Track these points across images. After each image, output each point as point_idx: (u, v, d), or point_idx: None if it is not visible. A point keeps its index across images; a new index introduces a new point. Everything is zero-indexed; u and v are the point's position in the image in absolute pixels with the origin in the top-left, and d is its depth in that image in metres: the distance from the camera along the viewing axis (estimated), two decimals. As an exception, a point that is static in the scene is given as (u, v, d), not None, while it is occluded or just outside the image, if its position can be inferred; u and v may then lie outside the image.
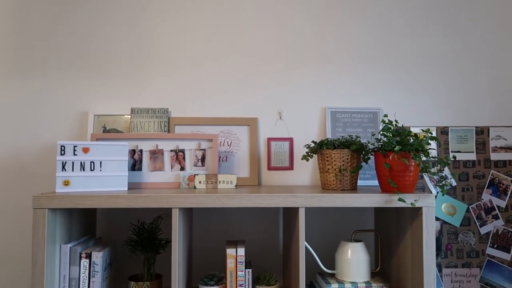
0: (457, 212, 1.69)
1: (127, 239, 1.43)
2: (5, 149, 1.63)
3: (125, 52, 1.68)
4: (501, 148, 1.72)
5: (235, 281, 1.34)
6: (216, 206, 1.21)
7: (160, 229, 1.45)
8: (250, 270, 1.35)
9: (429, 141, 1.29)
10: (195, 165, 1.54)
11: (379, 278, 1.41)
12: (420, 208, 1.26)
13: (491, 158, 1.71)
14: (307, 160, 1.45)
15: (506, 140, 1.72)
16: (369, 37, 1.74)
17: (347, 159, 1.37)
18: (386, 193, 1.26)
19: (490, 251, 1.68)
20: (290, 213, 1.40)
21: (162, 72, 1.69)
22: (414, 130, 1.70)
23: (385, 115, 1.33)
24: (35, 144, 1.63)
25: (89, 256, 1.29)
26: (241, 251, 1.34)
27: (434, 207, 1.25)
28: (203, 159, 1.54)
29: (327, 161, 1.39)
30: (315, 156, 1.67)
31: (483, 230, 1.68)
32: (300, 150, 1.69)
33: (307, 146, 1.47)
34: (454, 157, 1.30)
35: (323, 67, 1.72)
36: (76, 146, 1.32)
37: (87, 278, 1.28)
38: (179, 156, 1.53)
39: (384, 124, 1.30)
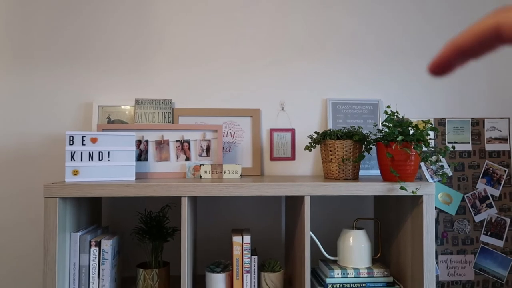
0: (453, 201, 1.74)
1: (135, 227, 1.46)
2: (11, 139, 1.63)
3: (130, 43, 1.69)
4: (496, 139, 1.78)
5: (241, 268, 1.37)
6: (225, 195, 1.25)
7: (167, 217, 1.48)
8: (255, 257, 1.39)
9: (429, 131, 1.34)
10: (200, 155, 1.56)
11: (379, 264, 1.46)
12: (420, 196, 1.31)
13: (486, 149, 1.77)
14: (310, 150, 1.49)
15: (500, 131, 1.78)
16: (368, 30, 1.77)
17: (350, 149, 1.41)
18: (388, 182, 1.31)
19: (484, 238, 1.74)
20: (294, 202, 1.44)
21: (165, 63, 1.70)
22: (412, 121, 1.74)
23: (388, 106, 1.37)
24: (40, 135, 1.64)
25: (98, 244, 1.31)
26: (247, 238, 1.38)
27: (434, 195, 1.30)
28: (208, 149, 1.57)
29: (330, 151, 1.43)
30: (317, 146, 1.71)
31: (478, 218, 1.75)
32: (301, 141, 1.73)
33: (310, 136, 1.50)
34: (453, 147, 1.35)
35: (324, 60, 1.75)
36: (85, 136, 1.34)
37: (97, 266, 1.31)
38: (184, 146, 1.56)
39: (386, 115, 1.34)
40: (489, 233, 1.75)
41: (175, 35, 1.71)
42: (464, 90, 1.79)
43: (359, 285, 1.37)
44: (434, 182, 1.73)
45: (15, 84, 1.65)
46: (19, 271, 1.62)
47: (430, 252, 1.29)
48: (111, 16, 1.69)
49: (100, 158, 1.35)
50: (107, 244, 1.32)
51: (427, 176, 1.74)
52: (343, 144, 1.41)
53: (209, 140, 1.57)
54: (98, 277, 1.31)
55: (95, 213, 1.53)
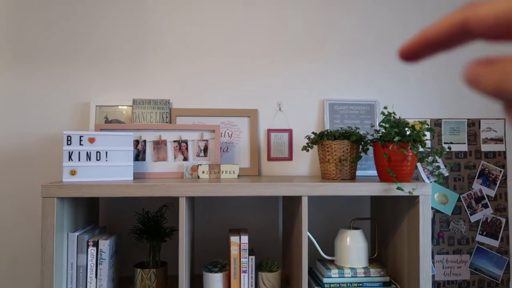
0: (449, 201, 1.76)
1: (132, 227, 1.46)
2: (8, 139, 1.63)
3: (127, 43, 1.69)
4: (491, 139, 1.79)
5: (239, 268, 1.38)
6: (222, 195, 1.25)
7: (165, 217, 1.48)
8: (253, 257, 1.39)
9: (425, 132, 1.35)
10: (198, 156, 1.57)
11: (376, 263, 1.47)
12: (417, 197, 1.31)
13: (482, 149, 1.78)
14: (307, 151, 1.50)
15: (496, 132, 1.80)
16: (366, 31, 1.78)
17: (347, 150, 1.42)
18: (385, 182, 1.31)
19: (479, 238, 1.76)
20: (292, 202, 1.45)
21: (163, 63, 1.70)
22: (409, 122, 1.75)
23: (385, 107, 1.37)
24: (38, 135, 1.64)
25: (96, 244, 1.31)
26: (245, 238, 1.38)
27: (430, 195, 1.31)
28: (205, 149, 1.57)
29: (328, 151, 1.44)
30: (314, 147, 1.72)
31: (473, 218, 1.76)
32: (299, 141, 1.74)
33: (307, 137, 1.51)
34: (449, 147, 1.36)
35: (322, 60, 1.76)
36: (82, 136, 1.34)
37: (95, 266, 1.31)
38: (182, 146, 1.56)
39: (383, 116, 1.35)
40: (484, 233, 1.76)
41: (173, 35, 1.71)
42: (460, 91, 1.81)
43: (356, 284, 1.38)
44: (431, 182, 1.74)
45: (12, 84, 1.64)
46: (16, 271, 1.62)
47: (427, 252, 1.30)
48: (109, 15, 1.69)
49: (98, 158, 1.35)
50: (105, 244, 1.32)
51: (424, 176, 1.75)
52: (340, 144, 1.42)
53: (206, 140, 1.58)
54: (96, 277, 1.31)
55: (92, 213, 1.53)
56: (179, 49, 1.71)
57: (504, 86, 0.25)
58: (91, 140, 1.35)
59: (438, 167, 1.76)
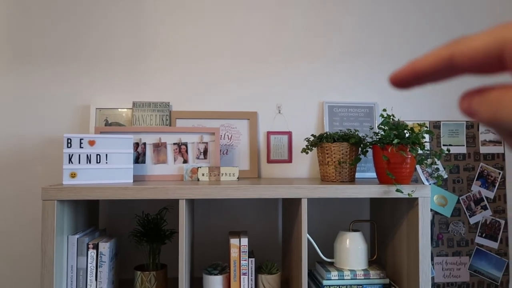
0: (448, 203, 1.76)
1: (132, 230, 1.46)
2: (8, 142, 1.63)
3: (126, 46, 1.70)
4: (490, 141, 1.80)
5: (239, 270, 1.38)
6: (222, 197, 1.25)
7: (165, 220, 1.48)
8: (253, 259, 1.39)
9: (424, 134, 1.35)
10: (198, 158, 1.57)
11: (376, 266, 1.47)
12: (416, 199, 1.32)
13: (481, 152, 1.79)
14: (307, 153, 1.50)
15: (494, 134, 1.80)
16: (364, 34, 1.79)
17: (346, 152, 1.43)
18: (384, 184, 1.32)
19: (479, 240, 1.76)
20: (291, 205, 1.45)
21: (163, 66, 1.71)
22: (408, 124, 1.76)
23: (384, 110, 1.38)
24: (38, 137, 1.64)
25: (96, 247, 1.31)
26: (245, 241, 1.38)
27: (429, 197, 1.31)
28: (205, 152, 1.58)
29: (327, 154, 1.44)
30: (313, 149, 1.72)
31: (473, 220, 1.76)
32: (298, 143, 1.74)
33: (307, 139, 1.51)
34: (448, 150, 1.36)
35: (321, 63, 1.77)
36: (83, 139, 1.34)
37: (95, 268, 1.31)
38: (181, 149, 1.56)
39: (382, 118, 1.35)
40: (484, 235, 1.76)
41: (173, 37, 1.72)
42: (459, 93, 1.81)
43: (355, 287, 1.38)
44: (430, 184, 1.75)
45: (12, 86, 1.65)
46: (17, 273, 1.62)
47: (426, 254, 1.30)
48: (108, 17, 1.70)
49: (98, 161, 1.36)
50: (105, 247, 1.32)
51: (423, 178, 1.76)
52: (339, 147, 1.42)
53: (206, 143, 1.58)
54: (96, 279, 1.31)
55: (92, 215, 1.53)
56: (178, 51, 1.72)
57: (499, 116, 0.25)
58: (91, 143, 1.35)
59: (437, 169, 1.76)
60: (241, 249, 1.38)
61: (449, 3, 1.83)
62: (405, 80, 0.30)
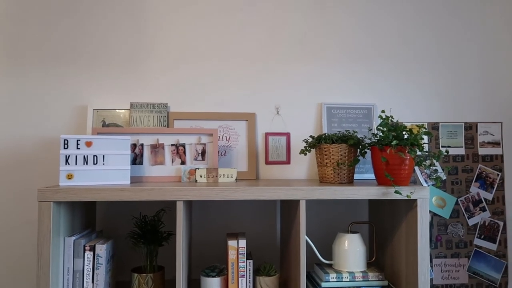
0: (447, 205, 1.76)
1: (129, 232, 1.45)
2: (5, 143, 1.62)
3: (125, 47, 1.69)
4: (489, 143, 1.80)
5: (237, 272, 1.37)
6: (220, 199, 1.25)
7: (162, 222, 1.47)
8: (251, 261, 1.38)
9: (423, 135, 1.35)
10: (196, 159, 1.56)
11: (374, 267, 1.47)
12: (415, 200, 1.31)
13: (479, 153, 1.79)
14: (305, 154, 1.49)
15: (493, 135, 1.80)
16: (363, 35, 1.78)
17: (345, 153, 1.42)
18: (383, 186, 1.31)
19: (477, 241, 1.76)
20: (289, 206, 1.44)
21: (161, 67, 1.70)
22: (406, 125, 1.76)
23: (382, 111, 1.37)
24: (34, 138, 1.63)
25: (93, 249, 1.30)
26: (242, 242, 1.37)
27: (428, 199, 1.31)
28: (203, 153, 1.57)
29: (325, 155, 1.44)
30: (312, 150, 1.71)
31: (471, 222, 1.76)
32: (297, 144, 1.74)
33: (305, 140, 1.51)
34: (447, 151, 1.36)
35: (319, 64, 1.76)
36: (79, 140, 1.33)
37: (91, 270, 1.30)
38: (179, 150, 1.55)
39: (381, 119, 1.35)
40: (482, 237, 1.76)
41: (170, 38, 1.71)
42: (457, 95, 1.81)
43: (354, 289, 1.38)
44: (428, 186, 1.74)
45: (9, 87, 1.64)
46: (13, 275, 1.60)
47: (425, 255, 1.30)
48: (106, 19, 1.69)
49: (95, 162, 1.35)
50: (102, 249, 1.31)
51: (421, 180, 1.75)
52: (338, 148, 1.42)
53: (204, 144, 1.57)
54: (92, 282, 1.30)
55: (89, 217, 1.52)
56: (176, 53, 1.71)
57: None
58: (88, 144, 1.34)
59: (436, 170, 1.76)
60: (239, 251, 1.37)
61: (446, 8, 1.83)
62: None
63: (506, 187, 1.78)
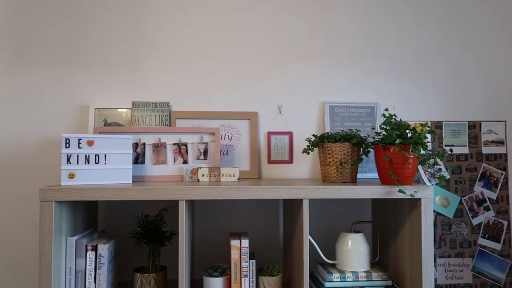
0: (451, 204, 1.74)
1: (132, 231, 1.45)
2: (6, 142, 1.62)
3: (126, 46, 1.68)
4: (492, 142, 1.78)
5: (239, 272, 1.36)
6: (223, 198, 1.24)
7: (164, 221, 1.47)
8: (254, 261, 1.37)
9: (427, 134, 1.34)
10: (198, 159, 1.56)
11: (378, 267, 1.46)
12: (419, 199, 1.30)
13: (483, 152, 1.77)
14: (308, 153, 1.48)
15: (497, 134, 1.79)
16: (366, 34, 1.77)
17: (348, 152, 1.41)
18: (387, 185, 1.30)
19: (481, 241, 1.74)
20: (292, 205, 1.43)
21: (162, 66, 1.70)
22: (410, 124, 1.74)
23: (386, 109, 1.36)
24: (36, 138, 1.63)
25: (95, 249, 1.30)
26: (245, 242, 1.37)
27: (432, 198, 1.30)
28: (205, 152, 1.56)
29: (328, 154, 1.43)
30: (315, 149, 1.71)
31: (475, 221, 1.75)
32: (299, 143, 1.73)
33: (308, 139, 1.50)
34: (451, 150, 1.35)
35: (322, 63, 1.75)
36: (81, 139, 1.32)
37: (93, 270, 1.29)
38: (181, 149, 1.55)
39: (384, 118, 1.34)
40: (486, 236, 1.75)
41: (172, 37, 1.71)
42: (461, 93, 1.80)
43: (357, 288, 1.37)
44: (432, 185, 1.73)
45: (11, 86, 1.63)
46: (14, 275, 1.60)
47: (429, 255, 1.29)
48: (108, 19, 1.68)
49: (97, 161, 1.34)
50: (104, 249, 1.30)
51: (425, 179, 1.74)
52: (341, 147, 1.41)
53: (206, 143, 1.56)
54: (95, 282, 1.29)
55: (91, 216, 1.51)
56: (178, 52, 1.70)
57: None
58: (90, 143, 1.33)
59: (440, 169, 1.75)
60: (241, 250, 1.36)
61: (449, 6, 1.81)
62: None
63: (510, 186, 1.76)
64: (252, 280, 1.37)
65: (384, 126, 1.33)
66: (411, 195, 1.27)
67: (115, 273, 1.41)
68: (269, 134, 1.71)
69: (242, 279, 1.36)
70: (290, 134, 1.72)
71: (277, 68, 1.74)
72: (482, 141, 1.78)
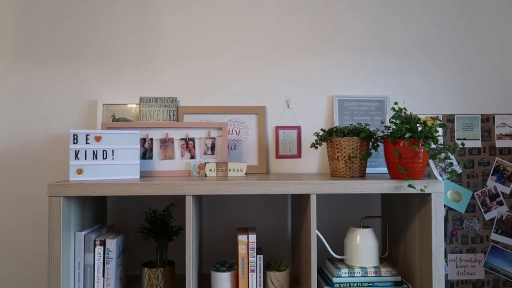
0: (462, 199, 1.71)
1: (139, 226, 1.45)
2: (15, 138, 1.63)
3: (134, 41, 1.68)
4: (506, 135, 1.74)
5: (247, 267, 1.36)
6: (229, 193, 1.23)
7: (172, 216, 1.47)
8: (261, 256, 1.37)
9: (437, 128, 1.31)
10: (205, 154, 1.55)
11: (387, 263, 1.44)
12: (429, 194, 1.28)
13: (496, 146, 1.73)
14: (316, 148, 1.47)
15: (511, 127, 1.74)
16: (374, 27, 1.74)
17: (357, 147, 1.39)
18: (396, 180, 1.28)
19: (494, 236, 1.71)
20: (300, 200, 1.42)
21: (170, 61, 1.69)
22: (420, 118, 1.71)
23: (395, 103, 1.34)
24: (44, 133, 1.64)
25: (103, 243, 1.30)
26: (253, 237, 1.36)
27: (443, 193, 1.27)
28: (213, 147, 1.55)
29: (337, 148, 1.41)
30: (323, 144, 1.69)
31: (488, 216, 1.71)
32: (308, 138, 1.71)
33: (316, 134, 1.48)
34: (462, 144, 1.32)
35: (330, 56, 1.73)
36: (89, 134, 1.33)
37: (102, 265, 1.30)
38: (189, 144, 1.54)
39: (394, 112, 1.31)
40: (499, 231, 1.71)
41: (180, 32, 1.70)
42: (474, 86, 1.76)
43: (366, 284, 1.35)
44: (443, 179, 1.70)
45: (19, 82, 1.65)
46: (24, 270, 1.62)
47: (439, 251, 1.26)
48: (116, 15, 1.68)
49: (105, 157, 1.34)
50: (112, 243, 1.31)
51: (436, 173, 1.71)
52: (349, 141, 1.39)
53: (214, 138, 1.56)
54: (103, 276, 1.30)
55: (99, 211, 1.52)
56: (186, 47, 1.70)
57: None
58: (98, 139, 1.34)
59: (451, 164, 1.71)
60: (249, 245, 1.36)
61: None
62: None
63: (525, 180, 1.73)
64: (260, 275, 1.36)
65: (394, 120, 1.31)
66: (421, 190, 1.25)
67: (123, 267, 1.42)
68: (277, 128, 1.70)
69: (250, 274, 1.35)
70: (298, 128, 1.70)
71: (285, 62, 1.72)
72: (496, 134, 1.74)
